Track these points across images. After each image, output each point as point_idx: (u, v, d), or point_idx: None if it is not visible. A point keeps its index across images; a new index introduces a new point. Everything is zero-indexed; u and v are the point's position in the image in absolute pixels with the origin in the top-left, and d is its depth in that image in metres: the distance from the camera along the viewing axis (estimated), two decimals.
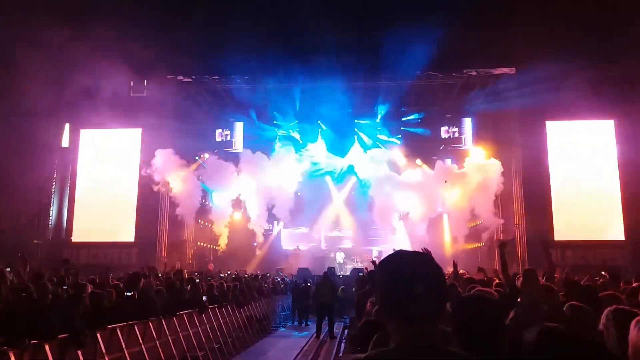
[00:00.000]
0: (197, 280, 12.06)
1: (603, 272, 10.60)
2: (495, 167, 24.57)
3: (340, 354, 11.79)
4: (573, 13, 21.07)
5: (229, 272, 20.64)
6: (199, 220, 28.30)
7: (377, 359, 1.55)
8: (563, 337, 2.30)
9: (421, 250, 1.72)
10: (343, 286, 20.25)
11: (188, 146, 25.90)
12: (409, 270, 1.57)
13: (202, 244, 28.26)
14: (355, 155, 29.02)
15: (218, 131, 28.81)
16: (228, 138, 28.90)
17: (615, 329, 2.83)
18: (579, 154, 24.39)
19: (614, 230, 23.58)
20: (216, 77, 26.03)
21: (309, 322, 18.02)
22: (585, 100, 22.94)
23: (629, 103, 22.76)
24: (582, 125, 24.80)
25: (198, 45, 22.36)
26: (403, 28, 20.06)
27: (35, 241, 23.77)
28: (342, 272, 25.32)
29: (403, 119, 28.30)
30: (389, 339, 1.59)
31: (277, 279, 21.33)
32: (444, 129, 27.95)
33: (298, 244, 29.63)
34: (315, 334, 15.14)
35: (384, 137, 28.84)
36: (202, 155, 28.03)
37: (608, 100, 23.11)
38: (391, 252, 1.76)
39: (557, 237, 23.48)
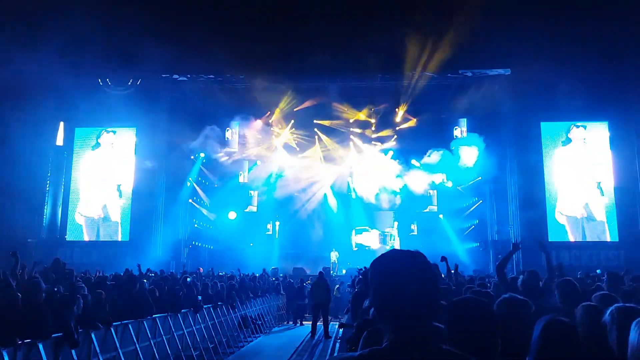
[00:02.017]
0: (190, 280, 12.04)
1: (598, 271, 10.66)
2: None
3: (335, 354, 11.78)
4: (568, 15, 21.18)
5: (224, 272, 20.60)
6: (194, 220, 28.28)
7: (370, 357, 1.55)
8: (568, 331, 2.28)
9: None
10: (338, 285, 20.26)
11: (183, 144, 25.86)
12: (400, 269, 1.58)
13: (196, 243, 28.20)
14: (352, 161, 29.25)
15: (228, 131, 28.91)
16: (234, 137, 29.00)
17: (618, 327, 2.75)
18: (574, 154, 24.51)
19: (608, 231, 23.72)
20: (212, 76, 25.98)
21: (304, 322, 18.02)
22: (579, 102, 23.06)
23: (623, 104, 22.89)
24: (576, 126, 24.89)
25: (193, 43, 22.31)
26: (398, 28, 20.12)
27: (29, 240, 23.65)
28: (335, 272, 25.27)
29: (397, 120, 28.31)
30: (380, 336, 1.59)
31: (272, 278, 21.34)
32: (456, 131, 28.24)
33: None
34: (310, 334, 15.14)
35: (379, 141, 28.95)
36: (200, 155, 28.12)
37: (602, 101, 23.23)
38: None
39: (552, 237, 23.60)
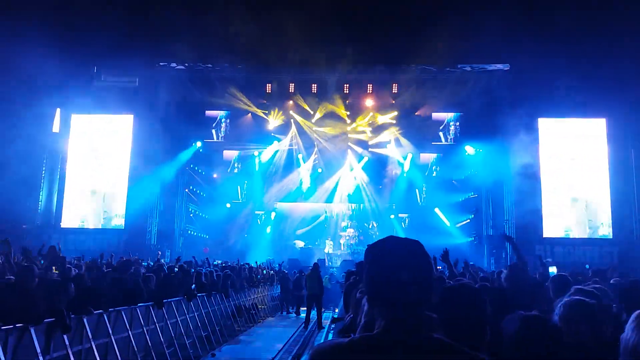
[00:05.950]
0: (186, 267, 12.03)
1: (587, 266, 10.76)
2: None
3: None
4: (567, 12, 21.14)
5: (219, 261, 20.58)
6: (189, 209, 28.24)
7: (360, 343, 1.54)
8: (546, 327, 2.29)
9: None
10: (327, 276, 20.22)
11: (180, 133, 25.79)
12: (395, 257, 1.56)
13: (192, 232, 28.19)
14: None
15: (224, 121, 29.01)
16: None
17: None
18: (570, 151, 24.52)
19: (602, 227, 23.80)
20: (209, 65, 25.83)
21: (301, 313, 18.02)
22: (577, 98, 23.08)
23: (620, 102, 22.89)
24: (574, 123, 24.89)
25: (191, 32, 22.15)
26: (399, 21, 20.02)
27: (23, 226, 23.57)
28: (330, 263, 25.22)
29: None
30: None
31: (268, 268, 21.37)
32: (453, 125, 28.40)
33: None
34: (303, 324, 15.19)
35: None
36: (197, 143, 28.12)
37: (600, 98, 23.21)
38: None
39: (546, 233, 23.69)
